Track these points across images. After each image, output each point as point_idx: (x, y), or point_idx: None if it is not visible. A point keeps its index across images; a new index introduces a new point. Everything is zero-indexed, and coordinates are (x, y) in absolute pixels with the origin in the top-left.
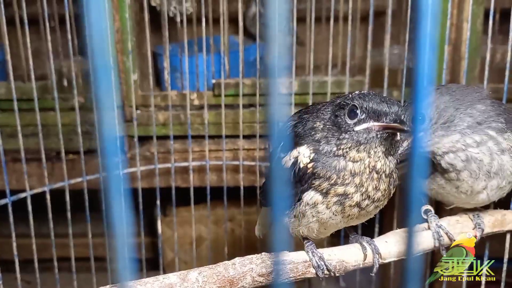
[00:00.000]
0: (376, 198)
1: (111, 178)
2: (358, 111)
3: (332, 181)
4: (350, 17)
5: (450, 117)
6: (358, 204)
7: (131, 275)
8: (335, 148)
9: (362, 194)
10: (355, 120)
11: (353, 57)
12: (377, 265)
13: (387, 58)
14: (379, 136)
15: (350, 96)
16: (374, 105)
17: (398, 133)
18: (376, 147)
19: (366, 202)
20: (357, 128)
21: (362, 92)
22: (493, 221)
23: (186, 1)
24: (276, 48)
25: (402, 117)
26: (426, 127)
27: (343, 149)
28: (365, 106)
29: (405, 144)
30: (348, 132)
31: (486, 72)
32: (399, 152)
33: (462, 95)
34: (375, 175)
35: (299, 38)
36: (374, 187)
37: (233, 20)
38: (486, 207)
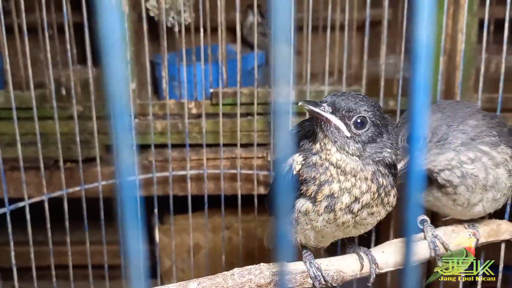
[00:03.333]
0: (365, 202)
1: None
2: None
3: (317, 181)
4: (346, 27)
5: (444, 135)
6: (349, 208)
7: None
8: (318, 147)
9: (350, 195)
10: None
11: (350, 66)
12: (374, 275)
13: (383, 68)
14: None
15: None
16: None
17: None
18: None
19: (357, 206)
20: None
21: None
22: (488, 231)
23: (184, 12)
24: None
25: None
26: (421, 146)
27: (321, 145)
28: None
29: (401, 163)
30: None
31: (481, 83)
32: (398, 168)
33: (453, 112)
34: (350, 176)
35: (295, 47)
36: (358, 186)
37: (230, 29)
38: (481, 217)
